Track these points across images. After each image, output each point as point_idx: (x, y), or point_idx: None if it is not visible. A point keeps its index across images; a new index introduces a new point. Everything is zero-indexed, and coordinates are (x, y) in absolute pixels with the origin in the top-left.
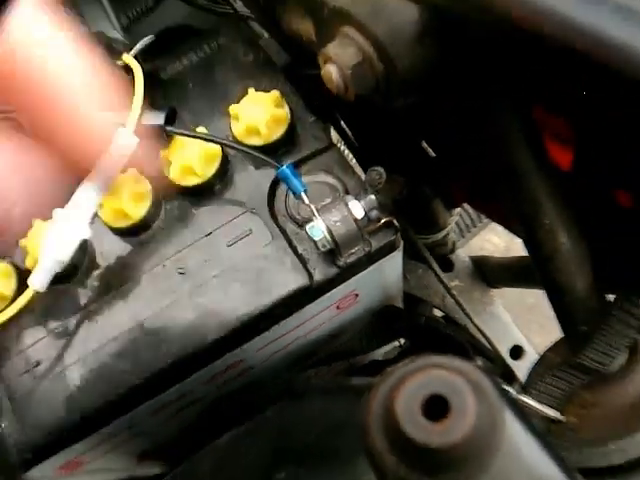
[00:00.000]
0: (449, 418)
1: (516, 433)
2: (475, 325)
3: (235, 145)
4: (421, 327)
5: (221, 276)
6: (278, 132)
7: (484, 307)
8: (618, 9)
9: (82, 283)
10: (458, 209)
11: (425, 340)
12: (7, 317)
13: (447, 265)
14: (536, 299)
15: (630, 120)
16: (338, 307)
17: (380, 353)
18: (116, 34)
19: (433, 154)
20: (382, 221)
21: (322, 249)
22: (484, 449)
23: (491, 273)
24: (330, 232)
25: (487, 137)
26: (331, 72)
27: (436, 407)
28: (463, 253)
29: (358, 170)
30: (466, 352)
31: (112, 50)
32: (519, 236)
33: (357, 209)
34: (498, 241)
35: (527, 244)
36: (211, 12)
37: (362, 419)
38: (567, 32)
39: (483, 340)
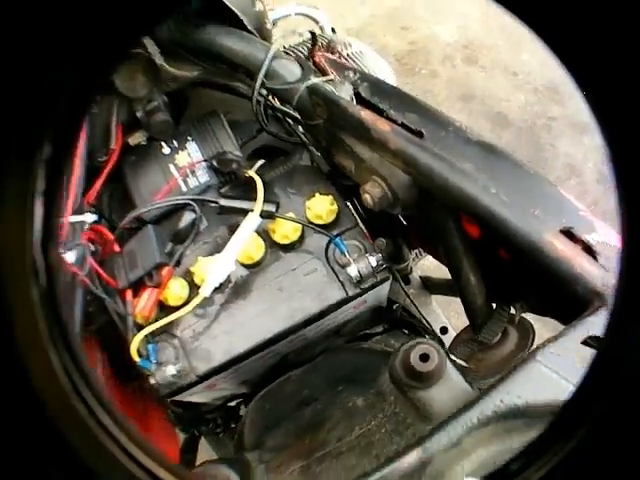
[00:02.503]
0: (428, 362)
1: (451, 368)
2: (421, 314)
3: (309, 225)
4: (394, 316)
5: (301, 291)
6: (331, 217)
7: (426, 304)
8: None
9: (224, 292)
10: (415, 250)
11: (396, 323)
12: (190, 309)
13: (407, 280)
14: (454, 300)
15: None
16: (354, 307)
17: (374, 329)
18: (236, 152)
19: (405, 223)
20: (383, 266)
21: (355, 280)
22: (439, 373)
23: (431, 286)
24: (359, 272)
25: (435, 224)
26: (368, 199)
27: (423, 358)
28: (415, 274)
29: (368, 238)
30: (417, 329)
31: (232, 161)
32: (443, 264)
33: (373, 261)
34: (432, 260)
35: (452, 276)
36: (288, 142)
37: (391, 364)
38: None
39: (425, 323)
